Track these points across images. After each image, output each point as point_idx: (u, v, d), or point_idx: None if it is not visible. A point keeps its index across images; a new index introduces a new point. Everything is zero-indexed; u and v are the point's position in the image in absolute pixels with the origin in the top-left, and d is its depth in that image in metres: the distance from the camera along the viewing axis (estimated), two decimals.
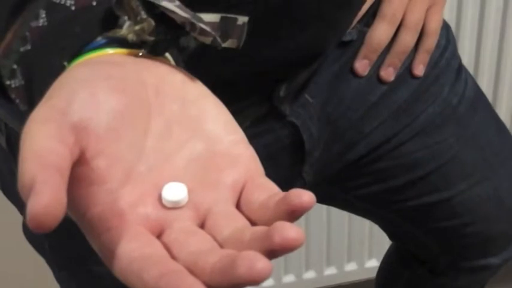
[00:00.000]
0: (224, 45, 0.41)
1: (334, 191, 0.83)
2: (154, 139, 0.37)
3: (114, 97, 0.36)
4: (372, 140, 0.77)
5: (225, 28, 0.41)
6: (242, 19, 0.42)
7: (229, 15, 0.42)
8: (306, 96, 0.71)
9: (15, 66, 0.40)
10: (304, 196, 0.33)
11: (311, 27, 0.60)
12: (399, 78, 0.75)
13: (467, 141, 0.80)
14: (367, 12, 0.72)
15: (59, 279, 0.80)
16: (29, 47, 0.40)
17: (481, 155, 0.82)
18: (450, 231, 0.85)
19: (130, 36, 0.40)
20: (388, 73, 0.75)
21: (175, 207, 0.36)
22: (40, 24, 0.40)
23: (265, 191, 0.36)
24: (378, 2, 0.73)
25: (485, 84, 1.30)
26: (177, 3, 0.39)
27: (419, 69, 0.76)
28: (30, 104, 0.41)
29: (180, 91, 0.39)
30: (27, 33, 0.40)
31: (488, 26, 1.23)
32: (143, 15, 0.39)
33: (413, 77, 0.76)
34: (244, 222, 0.35)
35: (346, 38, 0.72)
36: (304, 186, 0.75)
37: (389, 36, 0.73)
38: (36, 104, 0.35)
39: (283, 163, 0.72)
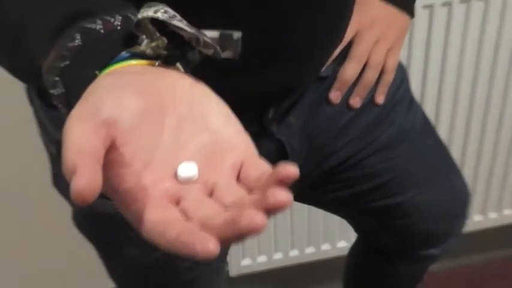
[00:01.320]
0: (222, 55, 0.40)
1: (313, 194, 0.81)
2: (169, 133, 0.36)
3: (136, 100, 0.35)
4: (343, 154, 0.75)
5: (223, 42, 0.40)
6: (237, 34, 0.40)
7: (226, 32, 0.40)
8: (290, 118, 0.70)
9: (57, 78, 0.39)
10: (290, 168, 0.32)
11: (290, 67, 0.59)
12: (364, 105, 0.74)
13: (417, 159, 0.79)
14: (339, 55, 0.71)
15: (101, 258, 0.78)
16: (67, 62, 0.39)
17: (428, 171, 0.81)
18: (403, 227, 0.83)
19: (148, 51, 0.39)
20: (356, 102, 0.73)
21: (188, 182, 0.35)
22: (76, 44, 0.39)
23: (260, 168, 0.35)
24: (348, 46, 0.71)
25: (427, 112, 1.28)
26: (185, 22, 0.38)
27: (380, 99, 0.74)
28: (69, 107, 0.40)
29: (188, 93, 0.38)
30: (66, 52, 0.39)
31: (432, 67, 1.21)
32: (157, 34, 0.38)
33: (375, 105, 0.74)
34: (243, 192, 0.35)
35: (323, 74, 0.70)
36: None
37: (357, 73, 0.72)
38: (74, 106, 0.34)
39: None
